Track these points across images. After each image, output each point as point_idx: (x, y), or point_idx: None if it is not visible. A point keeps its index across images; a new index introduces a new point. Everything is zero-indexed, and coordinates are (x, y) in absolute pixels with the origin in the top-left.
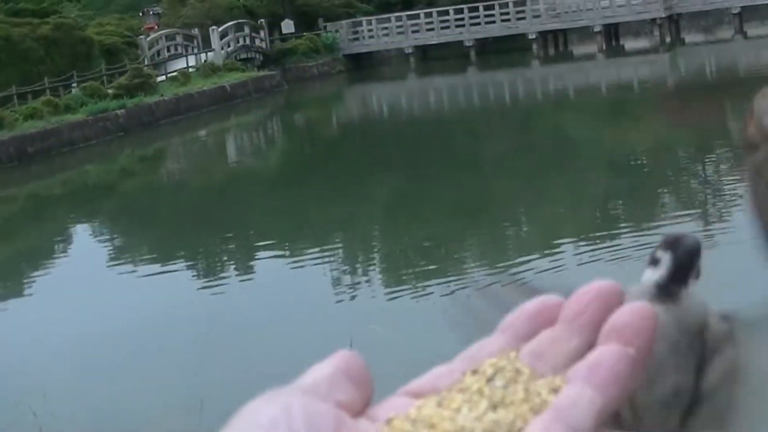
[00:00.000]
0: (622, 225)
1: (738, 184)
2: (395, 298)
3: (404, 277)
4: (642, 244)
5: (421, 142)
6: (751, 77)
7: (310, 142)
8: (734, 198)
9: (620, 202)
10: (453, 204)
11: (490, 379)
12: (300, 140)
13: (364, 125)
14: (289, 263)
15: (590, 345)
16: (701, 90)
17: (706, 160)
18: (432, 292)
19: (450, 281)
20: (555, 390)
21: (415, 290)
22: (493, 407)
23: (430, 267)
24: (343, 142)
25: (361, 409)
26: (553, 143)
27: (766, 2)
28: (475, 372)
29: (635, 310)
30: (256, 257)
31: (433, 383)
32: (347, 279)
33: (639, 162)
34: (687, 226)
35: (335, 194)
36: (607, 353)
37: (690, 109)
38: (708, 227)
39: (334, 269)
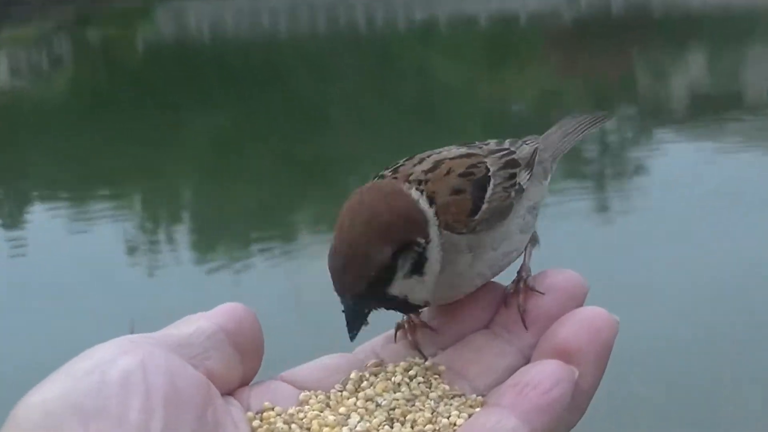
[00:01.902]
0: None
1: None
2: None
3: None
4: None
5: (250, 78)
6: (674, 19)
7: (108, 70)
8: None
9: None
10: (286, 158)
11: (394, 388)
12: (94, 66)
13: (180, 52)
14: (73, 218)
15: (529, 356)
16: (606, 33)
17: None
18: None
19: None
20: (470, 413)
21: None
22: (390, 422)
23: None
24: (150, 73)
25: (237, 384)
26: (414, 89)
27: None
28: (377, 374)
29: (589, 318)
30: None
31: (323, 375)
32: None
33: (512, 122)
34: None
35: (136, 139)
36: (544, 373)
37: (586, 58)
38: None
39: (128, 231)
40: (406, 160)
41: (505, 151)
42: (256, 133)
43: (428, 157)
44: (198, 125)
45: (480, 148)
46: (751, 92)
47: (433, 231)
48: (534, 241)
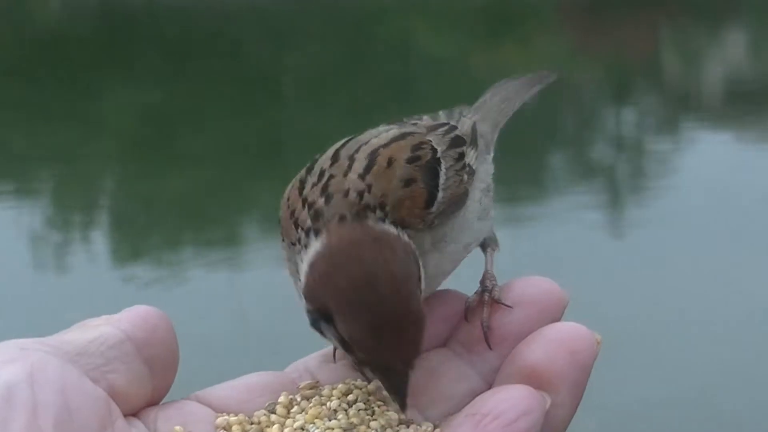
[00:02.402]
0: None
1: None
2: None
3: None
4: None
5: (193, 46)
6: None
7: (14, 30)
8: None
9: None
10: (233, 141)
11: (329, 415)
12: None
13: (104, 9)
14: None
15: (492, 382)
16: (629, 3)
17: (612, 110)
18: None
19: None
20: None
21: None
22: None
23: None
24: (67, 34)
25: (144, 403)
26: (395, 62)
27: None
28: (310, 398)
29: (564, 337)
30: None
31: (247, 397)
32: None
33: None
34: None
35: (46, 113)
36: (508, 402)
37: (606, 29)
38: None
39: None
40: (331, 163)
41: (447, 127)
42: (199, 111)
43: (356, 152)
44: (123, 99)
45: (414, 125)
46: None
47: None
48: (493, 243)
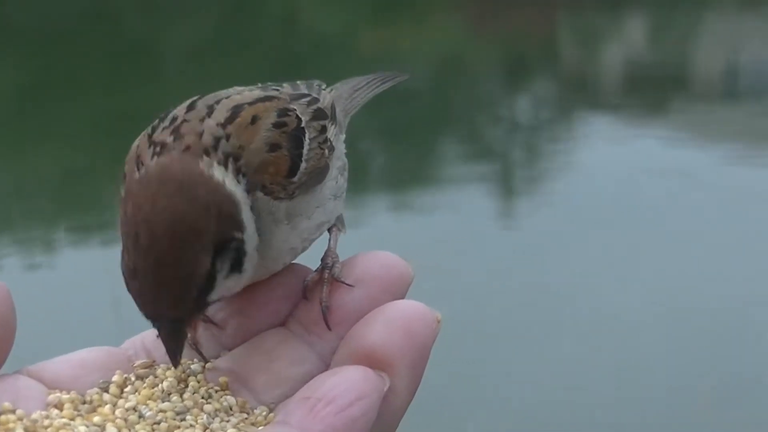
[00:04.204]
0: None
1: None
2: None
3: None
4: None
5: (71, 20)
6: None
7: None
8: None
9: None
10: (103, 115)
11: (162, 396)
12: None
13: None
14: None
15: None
16: None
17: (510, 95)
18: None
19: None
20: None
21: None
22: None
23: None
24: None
25: None
26: (275, 38)
27: None
28: (144, 377)
29: (402, 315)
30: None
31: (80, 373)
32: None
33: (403, 86)
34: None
35: None
36: (343, 385)
37: (502, 9)
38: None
39: None
40: (187, 110)
41: (309, 98)
42: (73, 86)
43: (216, 103)
44: None
45: (277, 90)
46: (702, 71)
47: (246, 213)
48: (340, 224)
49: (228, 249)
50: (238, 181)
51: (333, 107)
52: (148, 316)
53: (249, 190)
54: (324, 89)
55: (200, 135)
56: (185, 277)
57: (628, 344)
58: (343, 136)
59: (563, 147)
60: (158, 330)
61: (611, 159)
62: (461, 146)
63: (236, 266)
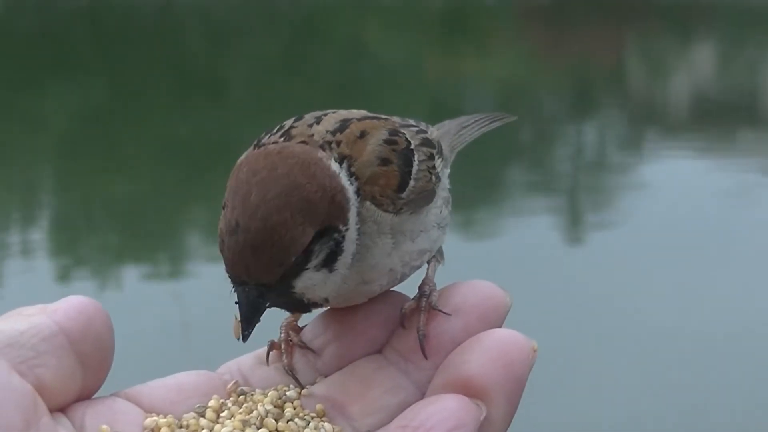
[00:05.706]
0: None
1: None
2: None
3: None
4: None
5: (133, 45)
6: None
7: None
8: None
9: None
10: (172, 144)
11: (258, 423)
12: None
13: (47, 9)
14: None
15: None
16: (595, 11)
17: (577, 122)
18: None
19: None
20: None
21: None
22: None
23: None
24: (11, 35)
25: (73, 398)
26: (342, 66)
27: None
28: (241, 404)
29: (499, 345)
30: None
31: (177, 397)
32: None
33: (468, 110)
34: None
35: None
36: (442, 413)
37: (568, 37)
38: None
39: None
40: (295, 120)
41: (417, 128)
42: (138, 111)
43: (325, 116)
44: (60, 97)
45: (385, 118)
46: None
47: (353, 213)
48: (440, 255)
49: (329, 238)
50: (351, 183)
51: (439, 143)
52: (234, 276)
53: (359, 195)
54: (430, 128)
55: (311, 136)
56: (286, 242)
57: (699, 365)
58: (448, 170)
59: (632, 173)
60: (239, 295)
61: (679, 184)
62: (526, 171)
63: (330, 261)
